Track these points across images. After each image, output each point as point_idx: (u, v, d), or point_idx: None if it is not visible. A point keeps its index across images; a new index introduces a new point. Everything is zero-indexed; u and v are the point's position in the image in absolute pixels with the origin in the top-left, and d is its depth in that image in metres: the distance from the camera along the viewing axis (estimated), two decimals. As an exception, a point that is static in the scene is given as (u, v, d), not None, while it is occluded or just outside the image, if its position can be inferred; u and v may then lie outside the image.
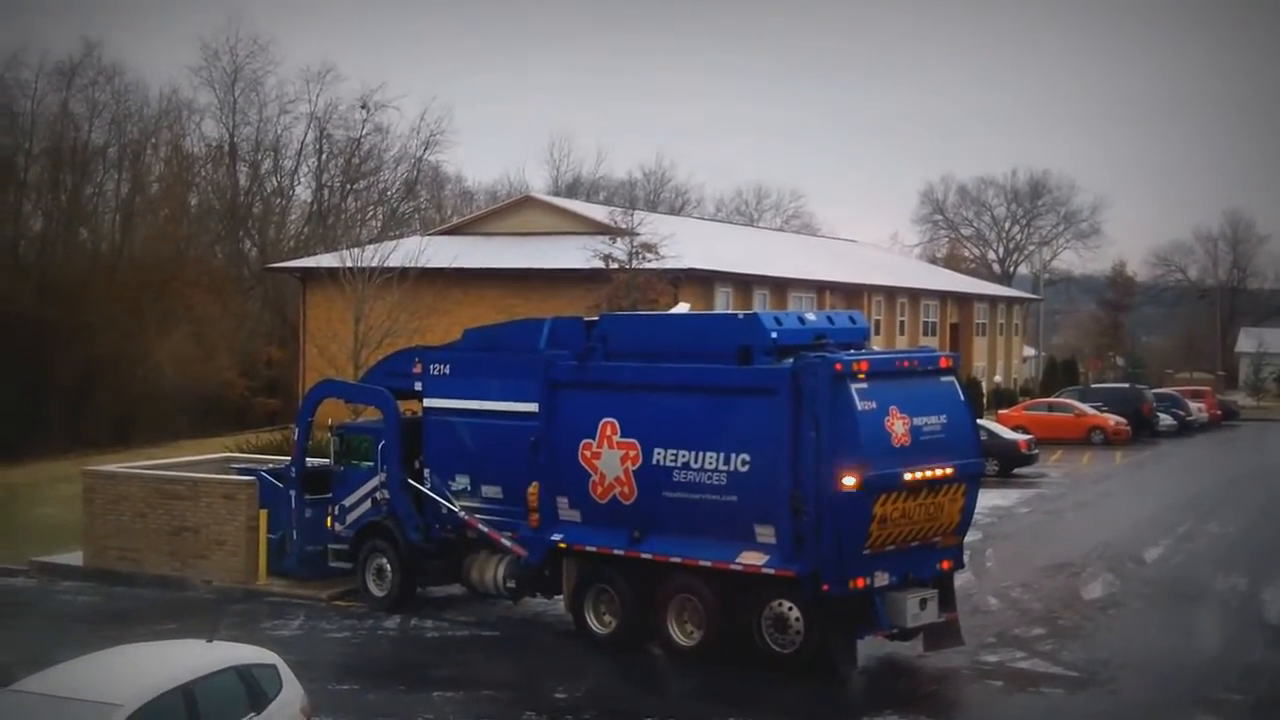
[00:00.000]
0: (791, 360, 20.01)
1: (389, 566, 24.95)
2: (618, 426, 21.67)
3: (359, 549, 25.35)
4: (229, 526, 26.90)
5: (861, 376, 19.68)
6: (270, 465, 28.50)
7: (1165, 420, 65.59)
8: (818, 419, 19.42)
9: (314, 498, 26.41)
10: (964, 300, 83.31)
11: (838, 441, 19.33)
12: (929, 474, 20.02)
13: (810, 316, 22.12)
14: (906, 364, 21.08)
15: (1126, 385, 71.51)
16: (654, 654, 21.47)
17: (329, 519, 26.12)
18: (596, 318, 23.78)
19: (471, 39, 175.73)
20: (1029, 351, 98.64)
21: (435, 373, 24.69)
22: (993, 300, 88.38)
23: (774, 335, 20.58)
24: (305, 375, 57.27)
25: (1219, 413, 74.72)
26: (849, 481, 19.21)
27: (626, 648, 21.73)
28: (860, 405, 19.50)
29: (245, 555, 26.73)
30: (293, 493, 26.51)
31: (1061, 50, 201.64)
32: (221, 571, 26.85)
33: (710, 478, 20.52)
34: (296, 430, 27.24)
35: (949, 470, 20.36)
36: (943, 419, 20.56)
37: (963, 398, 21.34)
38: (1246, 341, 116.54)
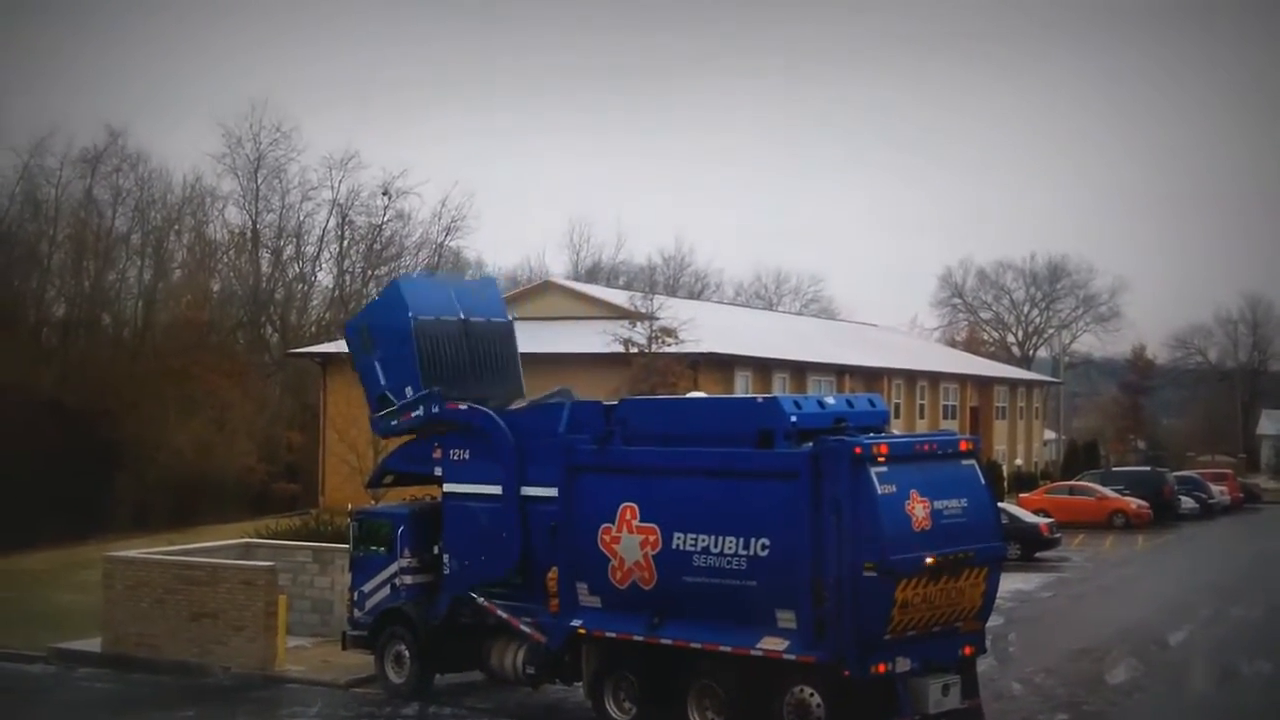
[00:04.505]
0: (811, 444, 19.99)
1: (407, 653, 24.85)
2: (637, 511, 21.61)
3: (378, 635, 25.26)
4: (248, 612, 26.82)
5: (881, 460, 19.63)
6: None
7: (1187, 503, 65.23)
8: (838, 503, 19.37)
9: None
10: (984, 383, 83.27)
11: (858, 525, 19.26)
12: (950, 558, 19.91)
13: (830, 400, 22.09)
14: (926, 447, 21.02)
15: (1148, 468, 71.26)
16: (674, 741, 21.30)
17: (348, 605, 26.08)
18: (616, 402, 23.81)
19: (492, 126, 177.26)
20: (1049, 435, 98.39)
21: (455, 458, 24.70)
22: (1013, 384, 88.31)
23: (794, 419, 20.56)
24: (325, 460, 57.36)
25: (1241, 496, 74.33)
26: (870, 566, 19.12)
27: (647, 734, 21.58)
28: (880, 489, 19.44)
29: (264, 641, 26.65)
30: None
31: (1079, 134, 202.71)
32: (241, 657, 26.76)
33: (730, 562, 20.43)
34: None
35: (970, 554, 20.26)
36: (963, 502, 20.49)
37: (983, 481, 21.25)
38: (1268, 424, 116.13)
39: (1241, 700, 25.14)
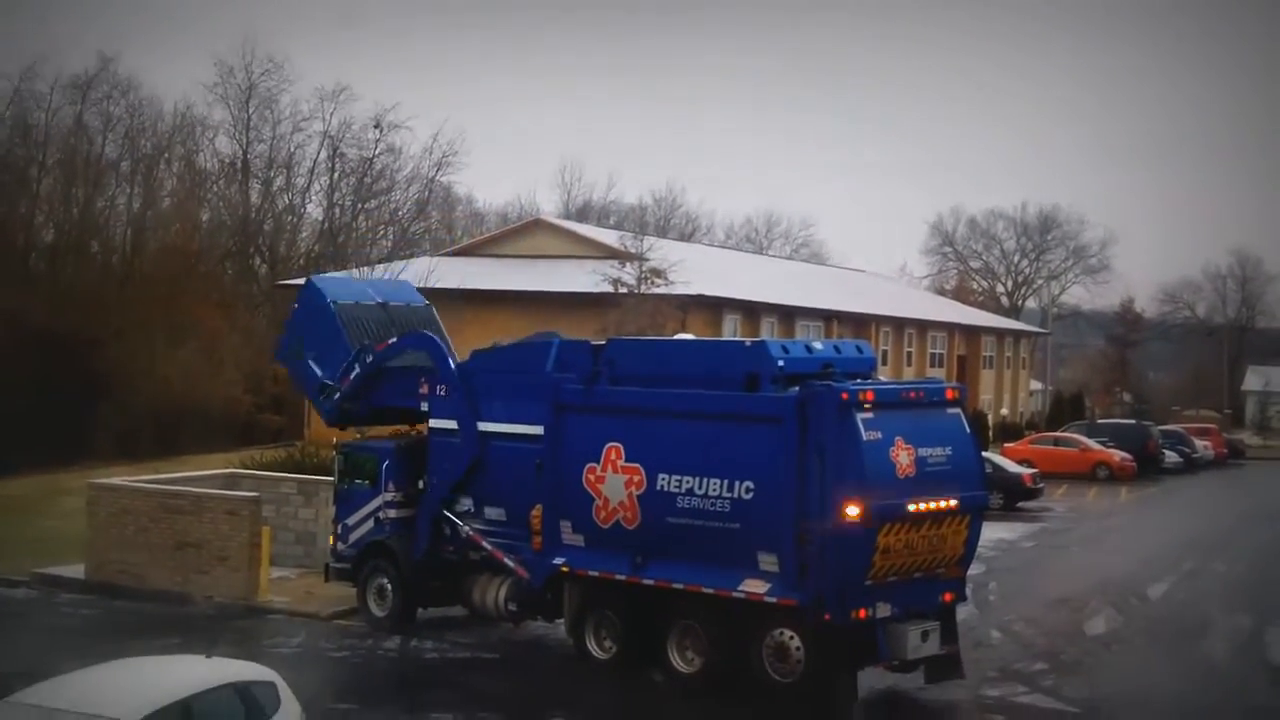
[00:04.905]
0: (798, 389, 19.99)
1: (390, 586, 24.92)
2: (622, 451, 21.63)
3: (360, 568, 25.32)
4: (231, 543, 26.87)
5: (867, 406, 19.64)
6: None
7: (1171, 457, 65.43)
8: (823, 448, 19.40)
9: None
10: (972, 333, 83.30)
11: (842, 471, 19.29)
12: (933, 505, 19.97)
13: (817, 345, 22.10)
14: (913, 395, 21.04)
15: (1133, 421, 71.45)
16: (654, 680, 21.40)
17: (331, 537, 26.15)
18: (604, 341, 23.77)
19: (485, 62, 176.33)
20: (1035, 385, 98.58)
21: (441, 393, 24.70)
22: (1000, 333, 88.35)
23: (781, 363, 20.56)
24: (311, 393, 57.23)
25: (1225, 451, 74.56)
26: (853, 511, 19.16)
27: (627, 673, 21.68)
28: (866, 435, 19.47)
29: (247, 571, 26.70)
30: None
31: (1072, 85, 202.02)
32: (223, 587, 26.82)
33: (714, 504, 20.48)
34: None
35: (953, 502, 20.32)
36: (948, 451, 20.53)
37: (968, 430, 21.30)
38: (1254, 380, 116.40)
39: (1220, 654, 25.27)
